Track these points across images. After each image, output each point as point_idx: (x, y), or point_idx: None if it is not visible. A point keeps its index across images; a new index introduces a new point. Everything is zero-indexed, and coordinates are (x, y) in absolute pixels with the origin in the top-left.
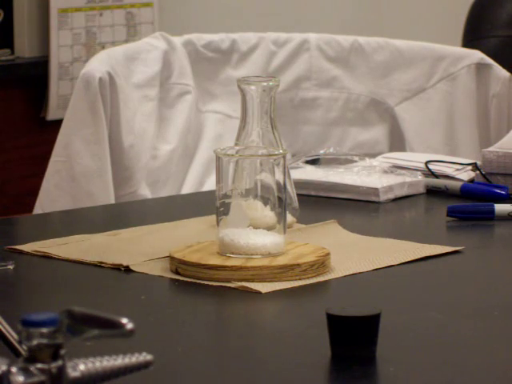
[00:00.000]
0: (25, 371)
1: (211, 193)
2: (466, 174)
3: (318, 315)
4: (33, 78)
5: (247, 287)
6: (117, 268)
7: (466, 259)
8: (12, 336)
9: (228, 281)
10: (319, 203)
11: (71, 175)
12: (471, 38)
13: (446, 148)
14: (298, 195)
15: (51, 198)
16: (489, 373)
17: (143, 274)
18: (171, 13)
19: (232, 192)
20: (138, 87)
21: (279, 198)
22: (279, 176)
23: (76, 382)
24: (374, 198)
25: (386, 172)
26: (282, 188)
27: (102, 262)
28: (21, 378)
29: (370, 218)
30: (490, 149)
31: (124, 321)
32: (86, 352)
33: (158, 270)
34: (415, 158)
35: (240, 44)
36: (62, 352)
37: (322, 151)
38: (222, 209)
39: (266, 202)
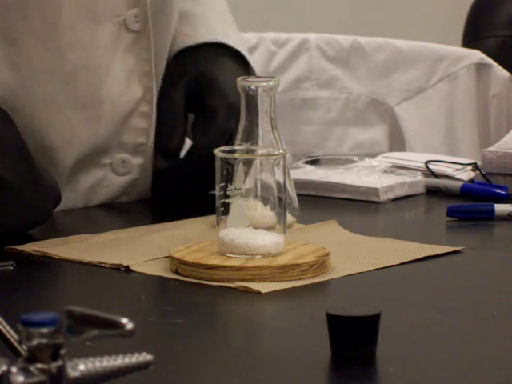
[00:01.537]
0: (25, 371)
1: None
2: (466, 174)
3: (318, 315)
4: None
5: (247, 287)
6: (117, 268)
7: (465, 259)
8: (12, 336)
9: (228, 281)
10: (319, 203)
11: None
12: (471, 38)
13: (446, 148)
14: (298, 195)
15: None
16: (489, 372)
17: (143, 274)
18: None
19: (232, 192)
20: None
21: (279, 198)
22: (279, 176)
23: (76, 382)
24: (374, 198)
25: (386, 172)
26: (281, 188)
27: (101, 262)
28: (21, 378)
29: (370, 217)
30: (490, 149)
31: (124, 321)
32: (86, 352)
33: (158, 270)
34: (415, 158)
35: None
36: (62, 352)
37: (321, 152)
38: (221, 209)
39: (265, 201)
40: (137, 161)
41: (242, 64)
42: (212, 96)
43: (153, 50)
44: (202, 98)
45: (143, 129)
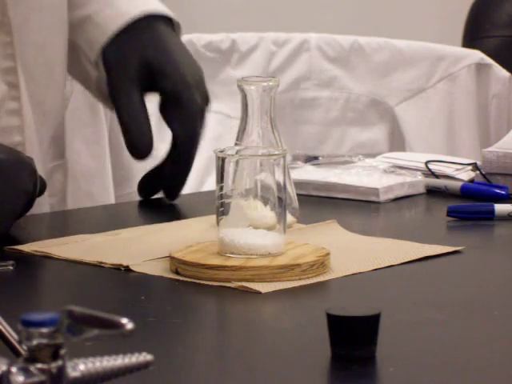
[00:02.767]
0: (25, 371)
1: (211, 193)
2: (466, 174)
3: (318, 315)
4: None
5: (247, 287)
6: (117, 268)
7: (465, 259)
8: (12, 336)
9: (228, 281)
10: (319, 203)
11: (71, 175)
12: (471, 38)
13: (445, 148)
14: (298, 195)
15: None
16: (489, 373)
17: (143, 274)
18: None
19: (232, 192)
20: None
21: (279, 198)
22: (279, 176)
23: (76, 382)
24: (373, 198)
25: (386, 172)
26: (281, 188)
27: (101, 262)
28: (21, 378)
29: (370, 218)
30: (490, 149)
31: (124, 321)
32: (86, 352)
33: (158, 270)
34: (415, 158)
35: (240, 44)
36: (62, 352)
37: (321, 152)
38: (222, 209)
39: (266, 201)
40: None
41: (171, 24)
42: (169, 79)
43: (17, 45)
44: (160, 81)
45: (15, 127)
